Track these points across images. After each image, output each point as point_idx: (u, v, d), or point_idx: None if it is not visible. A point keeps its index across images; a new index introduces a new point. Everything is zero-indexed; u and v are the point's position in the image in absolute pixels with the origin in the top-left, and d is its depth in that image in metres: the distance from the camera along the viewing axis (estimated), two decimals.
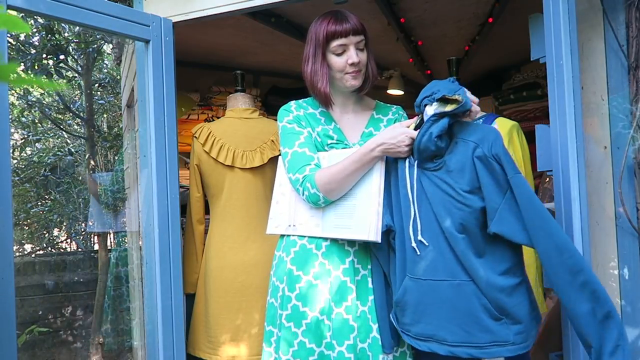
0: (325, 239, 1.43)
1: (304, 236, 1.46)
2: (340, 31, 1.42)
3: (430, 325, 1.26)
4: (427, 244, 1.27)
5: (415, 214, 1.29)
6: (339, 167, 1.37)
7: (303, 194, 1.42)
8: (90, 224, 3.94)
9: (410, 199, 1.30)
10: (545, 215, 1.14)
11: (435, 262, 1.25)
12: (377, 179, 1.37)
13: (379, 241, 1.35)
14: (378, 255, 1.42)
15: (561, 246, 1.13)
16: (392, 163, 1.37)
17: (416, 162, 1.29)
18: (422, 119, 1.30)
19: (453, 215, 1.22)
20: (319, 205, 1.42)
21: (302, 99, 1.58)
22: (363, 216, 1.36)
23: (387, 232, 1.36)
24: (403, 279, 1.32)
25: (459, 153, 1.22)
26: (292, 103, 1.55)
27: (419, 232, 1.27)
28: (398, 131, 1.32)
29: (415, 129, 1.31)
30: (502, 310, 1.20)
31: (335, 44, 1.43)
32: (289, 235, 1.49)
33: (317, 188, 1.38)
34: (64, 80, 4.29)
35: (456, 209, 1.22)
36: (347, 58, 1.43)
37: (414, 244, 1.29)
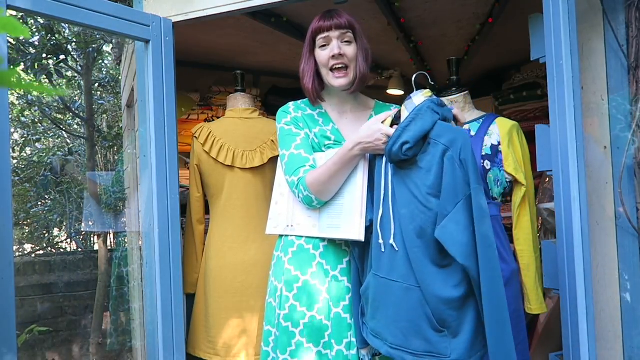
0: (323, 239, 1.45)
1: (302, 236, 1.47)
2: (323, 26, 1.45)
3: (380, 323, 1.27)
4: (392, 244, 1.25)
5: (383, 211, 1.28)
6: (323, 169, 1.38)
7: (299, 197, 1.43)
8: (91, 224, 3.93)
9: (382, 196, 1.29)
10: (489, 240, 1.13)
11: (393, 262, 1.24)
12: (360, 177, 1.38)
13: (363, 240, 1.35)
14: (354, 250, 1.42)
15: (492, 279, 1.12)
16: (372, 160, 1.38)
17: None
18: (399, 113, 1.32)
19: (415, 218, 1.19)
20: (315, 207, 1.43)
21: (301, 100, 1.58)
22: (349, 215, 1.37)
23: (369, 228, 1.36)
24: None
25: (430, 154, 1.19)
26: (291, 104, 1.56)
27: (392, 233, 1.26)
28: (374, 129, 1.30)
29: (393, 123, 1.31)
30: (444, 323, 1.16)
31: (319, 38, 1.46)
32: (287, 236, 1.50)
33: (309, 190, 1.39)
34: (64, 80, 4.29)
35: (418, 211, 1.19)
36: (330, 51, 1.45)
37: (380, 241, 1.29)
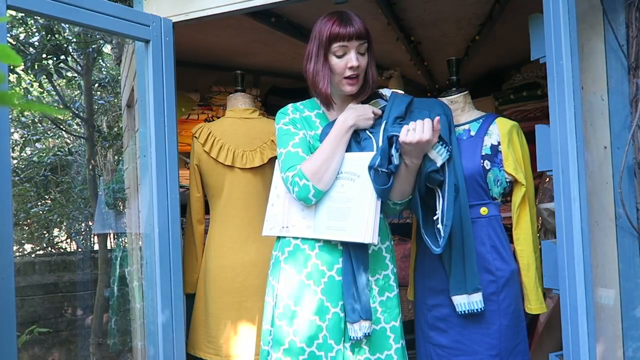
0: (318, 239, 1.45)
1: (298, 237, 1.47)
2: (343, 34, 1.41)
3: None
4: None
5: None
6: (320, 150, 1.42)
7: (294, 192, 1.42)
8: (101, 225, 3.92)
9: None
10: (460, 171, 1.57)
11: None
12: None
13: (376, 242, 1.38)
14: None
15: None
16: (355, 144, 1.50)
17: (384, 124, 1.47)
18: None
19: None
20: (310, 201, 1.42)
21: (300, 102, 1.59)
22: (358, 218, 1.36)
23: None
24: None
25: (416, 117, 1.47)
26: (290, 106, 1.57)
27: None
28: (362, 107, 1.49)
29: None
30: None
31: (336, 45, 1.43)
32: (285, 235, 1.50)
33: (306, 177, 1.39)
34: (64, 80, 4.28)
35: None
36: (347, 61, 1.43)
37: None
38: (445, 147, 1.43)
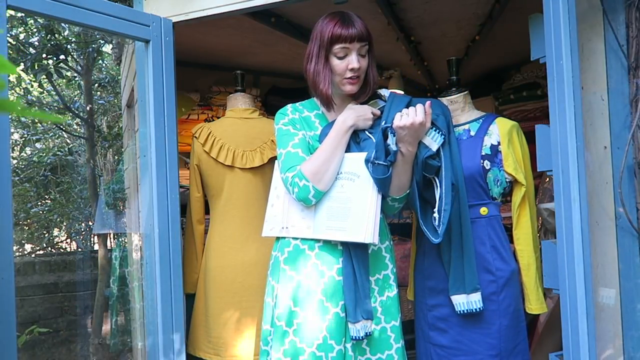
0: (318, 240, 1.45)
1: (298, 237, 1.47)
2: (345, 36, 1.41)
3: None
4: None
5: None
6: (320, 150, 1.42)
7: (293, 192, 1.42)
8: (102, 225, 3.92)
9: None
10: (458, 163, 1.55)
11: None
12: (373, 184, 1.39)
13: (376, 242, 1.39)
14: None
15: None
16: (354, 144, 1.50)
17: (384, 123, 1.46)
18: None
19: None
20: (310, 202, 1.42)
21: (299, 102, 1.59)
22: (359, 218, 1.37)
23: None
24: None
25: None
26: (289, 106, 1.57)
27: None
28: (361, 107, 1.49)
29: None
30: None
31: (338, 47, 1.43)
32: (284, 236, 1.50)
33: (306, 178, 1.39)
34: (64, 80, 4.29)
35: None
36: (348, 63, 1.43)
37: None
38: (439, 132, 1.44)
